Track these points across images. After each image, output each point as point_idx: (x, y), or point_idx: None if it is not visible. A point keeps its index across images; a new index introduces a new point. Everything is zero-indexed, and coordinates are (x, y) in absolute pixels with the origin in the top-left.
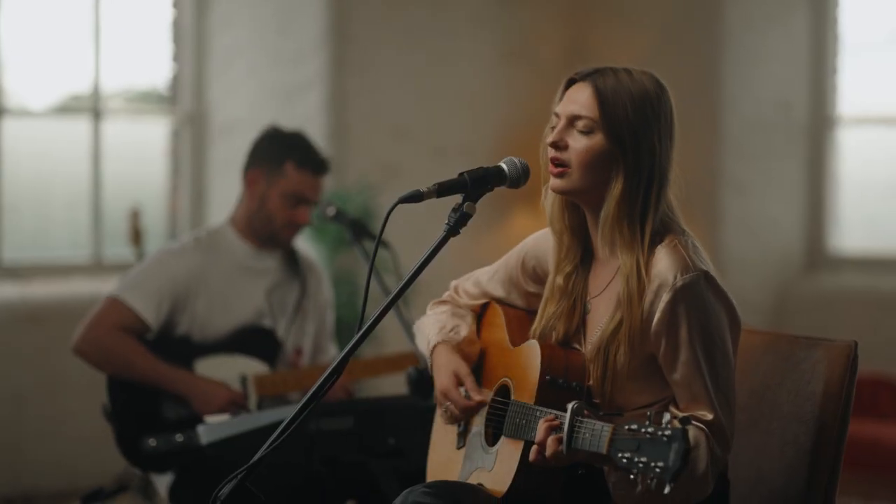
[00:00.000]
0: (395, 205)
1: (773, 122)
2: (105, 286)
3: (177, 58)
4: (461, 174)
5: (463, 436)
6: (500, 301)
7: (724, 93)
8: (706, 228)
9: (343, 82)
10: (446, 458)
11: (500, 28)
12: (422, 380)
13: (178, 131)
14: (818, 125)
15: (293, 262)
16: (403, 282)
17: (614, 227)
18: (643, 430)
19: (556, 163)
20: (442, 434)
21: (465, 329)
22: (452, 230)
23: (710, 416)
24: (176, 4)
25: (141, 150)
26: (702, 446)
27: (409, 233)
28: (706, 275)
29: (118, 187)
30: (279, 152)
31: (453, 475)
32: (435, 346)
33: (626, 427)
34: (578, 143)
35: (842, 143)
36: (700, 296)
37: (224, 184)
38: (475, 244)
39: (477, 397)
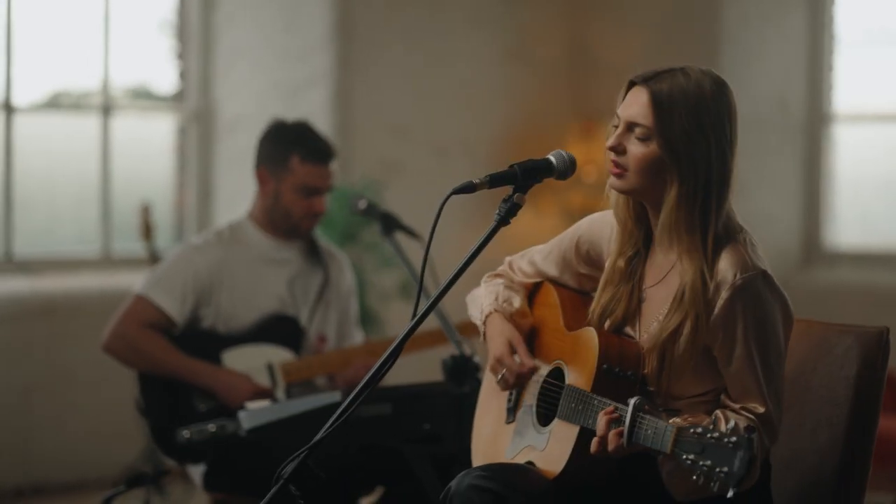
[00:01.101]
0: (449, 195)
1: (770, 119)
2: (114, 280)
3: (183, 55)
4: (512, 166)
5: (513, 411)
6: (552, 281)
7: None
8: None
9: (347, 80)
10: (494, 431)
11: (500, 28)
12: (457, 367)
13: (185, 128)
14: (814, 122)
15: (314, 252)
16: (457, 269)
17: (672, 234)
18: (709, 434)
19: (615, 164)
20: (489, 407)
21: (518, 301)
22: (503, 220)
23: (761, 409)
24: (183, 2)
25: (148, 146)
26: (739, 426)
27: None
28: (764, 274)
29: (126, 183)
30: (283, 148)
31: (501, 448)
32: (489, 315)
33: (692, 430)
34: (636, 149)
35: (837, 140)
36: (758, 294)
37: (230, 180)
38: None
39: (529, 363)
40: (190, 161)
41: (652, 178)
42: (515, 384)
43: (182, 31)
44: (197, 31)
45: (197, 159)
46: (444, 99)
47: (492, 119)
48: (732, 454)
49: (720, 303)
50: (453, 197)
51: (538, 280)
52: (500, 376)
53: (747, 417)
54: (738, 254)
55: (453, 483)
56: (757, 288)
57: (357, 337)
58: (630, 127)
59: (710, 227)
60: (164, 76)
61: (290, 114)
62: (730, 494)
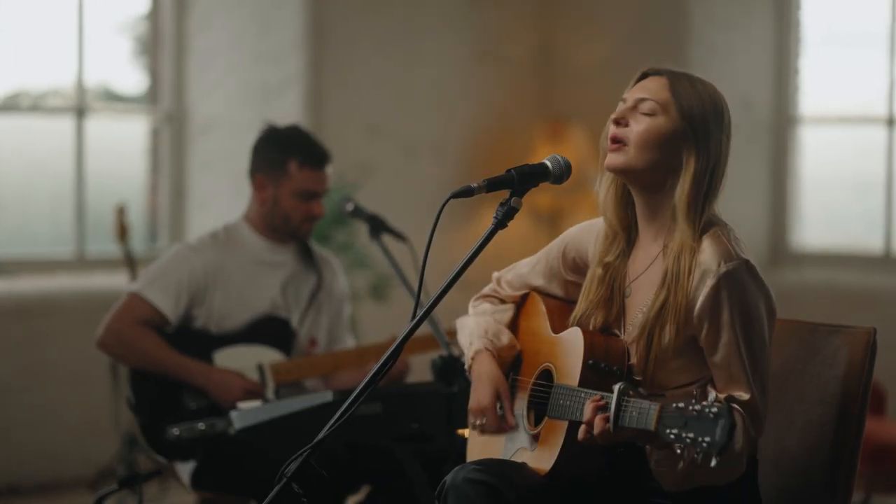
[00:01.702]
0: (448, 200)
1: (737, 120)
2: (88, 282)
3: (156, 57)
4: (508, 170)
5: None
6: (540, 291)
7: None
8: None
9: (320, 82)
10: (487, 437)
11: (471, 29)
12: (446, 367)
13: (158, 130)
14: (780, 124)
15: (308, 255)
16: (455, 272)
17: (691, 207)
18: (690, 407)
19: (615, 139)
20: None
21: (506, 337)
22: (500, 223)
23: (746, 397)
24: (155, 4)
25: (122, 148)
26: (739, 426)
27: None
28: (748, 263)
29: (100, 185)
30: (280, 154)
31: (495, 454)
32: (478, 352)
33: (674, 405)
34: (640, 124)
35: (803, 142)
36: (742, 283)
37: (203, 182)
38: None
39: (511, 422)
40: (163, 163)
41: (652, 153)
42: (490, 434)
43: (155, 33)
44: (170, 33)
45: (170, 161)
46: (416, 100)
47: (462, 120)
48: (714, 423)
49: (705, 291)
50: (428, 201)
51: (526, 292)
52: (477, 423)
53: (733, 407)
54: (721, 244)
55: (448, 477)
56: (741, 276)
57: (348, 341)
58: (637, 104)
59: (705, 210)
60: (131, 77)
61: (263, 115)
62: (713, 463)
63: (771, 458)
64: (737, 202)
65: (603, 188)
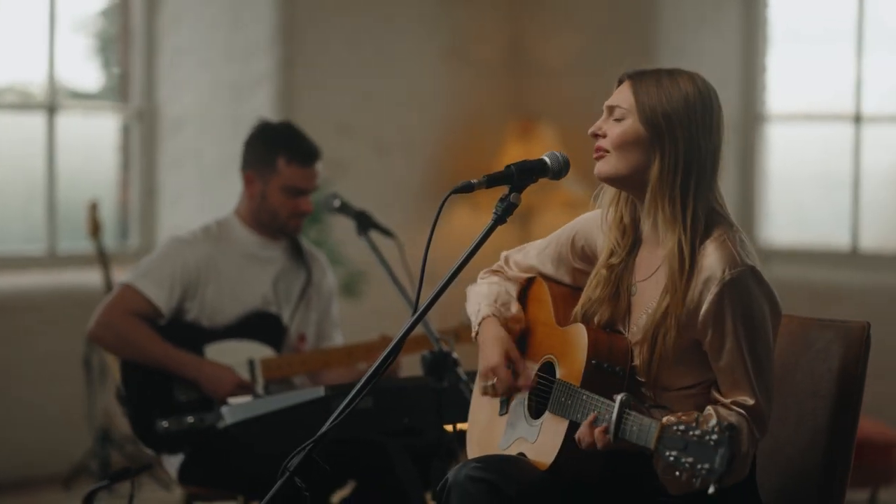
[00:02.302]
0: (448, 195)
1: None
2: (60, 278)
3: (127, 54)
4: (508, 167)
5: (505, 403)
6: (547, 277)
7: None
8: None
9: (292, 80)
10: (488, 422)
11: (441, 28)
12: (436, 363)
13: (129, 127)
14: (748, 121)
15: (298, 252)
16: (454, 268)
17: (655, 206)
18: (691, 432)
19: (597, 149)
20: (483, 400)
21: (514, 307)
22: (500, 219)
23: (751, 402)
24: (125, 1)
25: (93, 145)
26: (744, 431)
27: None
28: (752, 269)
29: (71, 182)
30: (269, 150)
31: (494, 439)
32: (485, 318)
33: (675, 427)
34: (613, 129)
35: (771, 139)
36: (746, 289)
37: (174, 179)
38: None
39: (524, 382)
40: (134, 160)
41: (630, 155)
42: (502, 395)
43: (126, 30)
44: (140, 30)
45: (140, 158)
46: (387, 99)
47: (433, 119)
48: (714, 451)
49: (709, 298)
50: (401, 200)
51: (532, 275)
52: (489, 384)
53: (737, 412)
54: (726, 249)
55: (450, 475)
56: (745, 283)
57: (337, 338)
58: (610, 111)
59: (688, 205)
60: (92, 75)
61: (235, 113)
62: (711, 490)
63: (766, 451)
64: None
65: (602, 200)
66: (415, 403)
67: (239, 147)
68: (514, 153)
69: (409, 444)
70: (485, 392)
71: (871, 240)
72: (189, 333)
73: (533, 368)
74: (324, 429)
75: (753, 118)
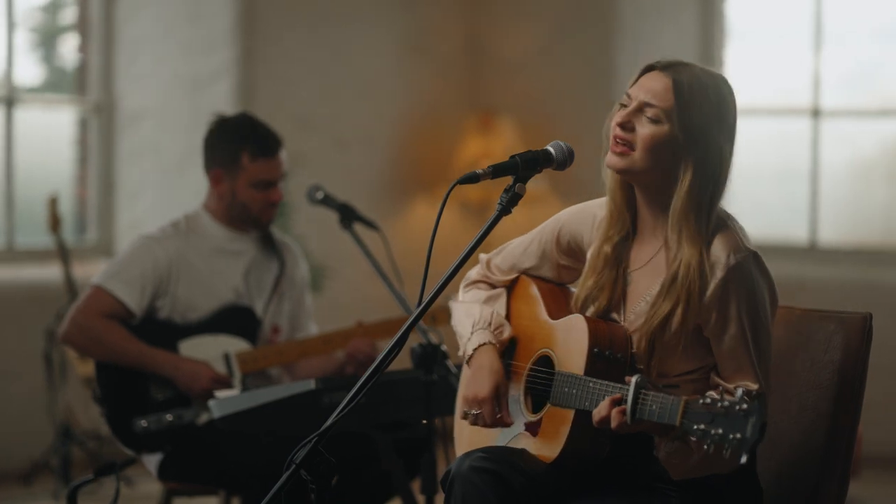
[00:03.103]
0: (453, 186)
1: None
2: (19, 273)
3: (84, 47)
4: (512, 157)
5: None
6: (530, 273)
7: (616, 83)
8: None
9: (251, 73)
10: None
11: (400, 21)
12: (426, 355)
13: (86, 120)
14: None
15: (269, 243)
16: (459, 259)
17: (683, 219)
18: (718, 404)
19: (621, 141)
20: None
21: (507, 331)
22: (505, 209)
23: (755, 386)
24: None
25: (51, 138)
26: (748, 394)
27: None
28: (755, 255)
29: (28, 176)
30: (231, 147)
31: (490, 439)
32: (482, 345)
33: (700, 401)
34: (645, 129)
35: None
36: (749, 274)
37: (132, 173)
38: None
39: (508, 419)
40: (91, 154)
41: (657, 159)
42: (483, 427)
43: (83, 22)
44: (98, 23)
45: (98, 152)
46: (346, 92)
47: (391, 112)
48: (745, 420)
49: (714, 283)
50: (360, 193)
51: (516, 275)
52: (473, 414)
53: (726, 388)
54: (730, 236)
55: (453, 466)
56: (749, 268)
57: (311, 328)
58: (642, 107)
59: (712, 215)
60: (66, 68)
61: (194, 106)
62: (743, 460)
63: (766, 442)
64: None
65: (608, 175)
66: (403, 396)
67: (198, 140)
68: (473, 147)
69: (398, 436)
70: (464, 417)
71: (829, 234)
72: (162, 330)
73: (525, 368)
74: (330, 421)
75: None
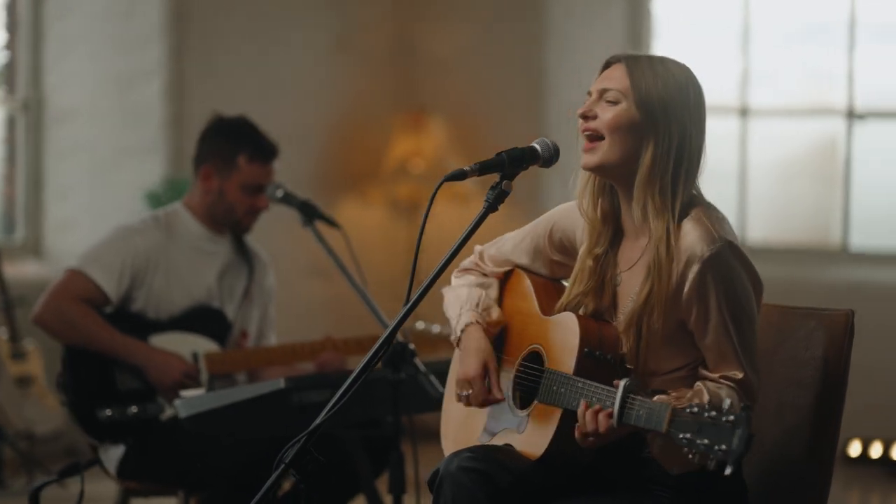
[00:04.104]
0: (441, 183)
1: None
2: None
3: (12, 44)
4: (499, 154)
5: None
6: (523, 269)
7: (546, 81)
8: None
9: (183, 70)
10: (465, 416)
11: (331, 20)
12: (394, 354)
13: (14, 118)
14: None
15: (242, 248)
16: (448, 256)
17: (646, 192)
18: (705, 413)
19: (588, 134)
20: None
21: (496, 312)
22: (492, 207)
23: (739, 375)
24: None
25: None
26: (735, 404)
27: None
28: (730, 244)
29: None
30: (230, 147)
31: (473, 432)
32: (468, 325)
33: (687, 409)
34: (606, 113)
35: None
36: (726, 264)
37: (61, 171)
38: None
39: (498, 395)
40: (19, 152)
41: (625, 140)
42: (475, 406)
43: (11, 19)
44: (26, 19)
45: (26, 150)
46: (277, 89)
47: (322, 110)
48: (731, 432)
49: (691, 276)
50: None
51: (509, 268)
52: (463, 394)
53: (727, 385)
54: (702, 226)
55: (441, 465)
56: (725, 258)
57: (272, 339)
58: (601, 94)
59: (677, 195)
60: None
61: (125, 104)
62: (727, 471)
63: None
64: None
65: (579, 185)
66: (371, 395)
67: (129, 138)
68: (403, 145)
69: (366, 435)
70: (458, 400)
71: (758, 232)
72: (134, 323)
73: (516, 361)
74: (318, 420)
75: None
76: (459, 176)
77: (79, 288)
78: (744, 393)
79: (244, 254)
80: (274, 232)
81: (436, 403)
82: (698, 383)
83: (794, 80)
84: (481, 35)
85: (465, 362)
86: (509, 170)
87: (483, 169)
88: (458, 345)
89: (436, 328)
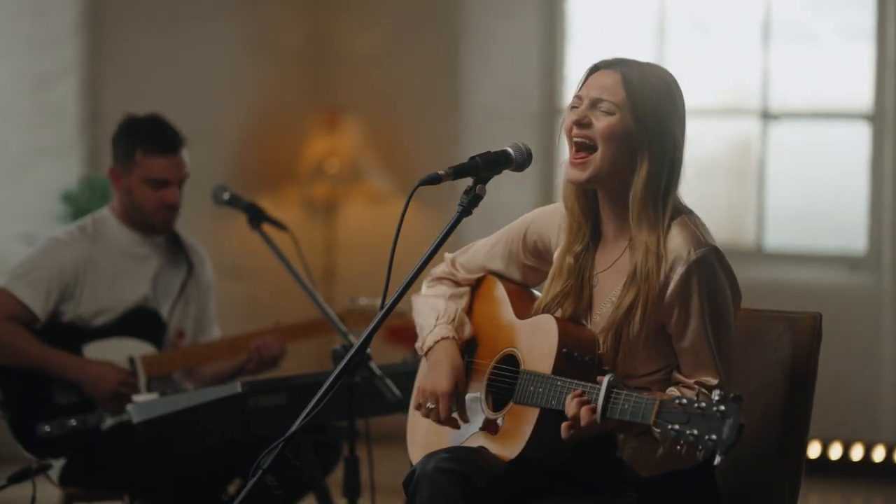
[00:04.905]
0: (416, 188)
1: (508, 110)
2: None
3: None
4: (472, 158)
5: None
6: (496, 274)
7: (462, 81)
8: (444, 215)
9: (97, 70)
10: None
11: (244, 19)
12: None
13: None
14: (550, 114)
15: (177, 245)
16: (422, 261)
17: (644, 208)
18: (695, 405)
19: (580, 142)
20: None
21: (468, 329)
22: (466, 211)
23: (714, 382)
24: None
25: None
26: (725, 395)
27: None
28: (715, 249)
29: None
30: (129, 144)
31: (443, 437)
32: (444, 338)
33: (676, 401)
34: (602, 122)
35: None
36: (711, 268)
37: None
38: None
39: (458, 423)
40: None
41: (619, 151)
42: (436, 422)
43: None
44: None
45: None
46: (192, 89)
47: (236, 110)
48: (721, 422)
49: (675, 278)
50: (206, 192)
51: (482, 275)
52: (428, 408)
53: (702, 391)
54: (689, 230)
55: (417, 467)
56: (710, 262)
57: (214, 332)
58: (595, 104)
59: (668, 203)
60: None
61: (39, 104)
62: (717, 461)
63: None
64: (508, 190)
65: (564, 184)
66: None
67: (43, 139)
68: (318, 145)
69: (315, 439)
70: (417, 409)
71: None
72: (66, 333)
73: (488, 366)
74: (295, 426)
75: (553, 110)
76: (434, 180)
77: (5, 307)
78: None
79: (181, 251)
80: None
81: (392, 406)
82: (672, 388)
83: (708, 81)
84: (397, 34)
85: (436, 374)
86: (483, 173)
87: (457, 173)
88: (425, 354)
89: (363, 301)
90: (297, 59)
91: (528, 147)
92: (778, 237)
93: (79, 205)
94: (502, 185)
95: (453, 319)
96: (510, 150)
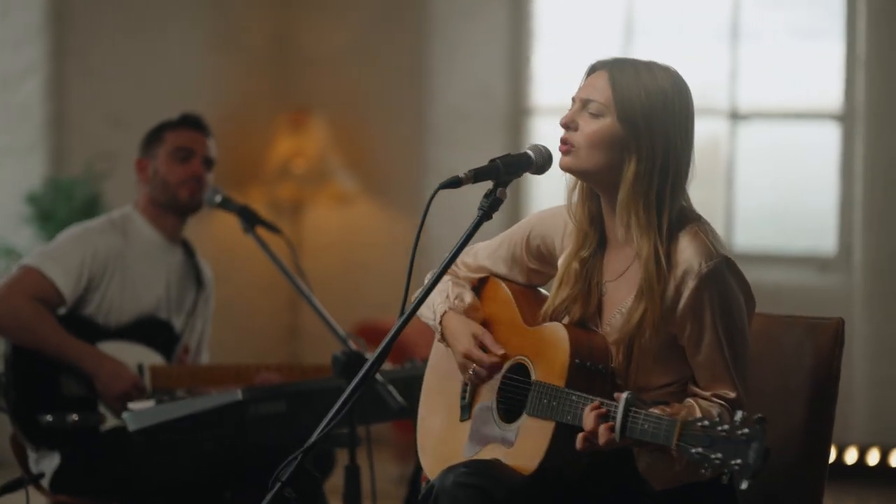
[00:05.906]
0: (437, 191)
1: (475, 111)
2: None
3: None
4: (493, 161)
5: (468, 408)
6: (499, 277)
7: (429, 82)
8: (412, 215)
9: (62, 69)
10: (446, 428)
11: (209, 18)
12: (349, 364)
13: None
14: (516, 114)
15: (191, 260)
16: (442, 266)
17: (629, 210)
18: (718, 427)
19: (563, 141)
20: (435, 405)
21: (468, 297)
22: (486, 215)
23: (732, 395)
24: None
25: None
26: (748, 417)
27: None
28: (727, 260)
29: None
30: (157, 130)
31: (457, 446)
32: (444, 314)
33: (699, 423)
34: (587, 125)
35: (538, 132)
36: (723, 281)
37: None
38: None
39: (499, 352)
40: None
41: (603, 154)
42: (488, 377)
43: None
44: None
45: None
46: (158, 89)
47: (202, 110)
48: (746, 446)
49: (686, 293)
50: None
51: (483, 275)
52: (470, 372)
53: (719, 404)
54: (699, 241)
55: (436, 481)
56: (722, 274)
57: (205, 356)
58: (585, 104)
59: (664, 210)
60: None
61: (3, 103)
62: (744, 486)
63: None
64: (475, 191)
65: (569, 184)
66: (328, 406)
67: (8, 138)
68: (284, 145)
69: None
70: (470, 380)
71: None
72: (82, 328)
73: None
74: (314, 437)
75: (520, 111)
76: (455, 184)
77: (34, 286)
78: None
79: (194, 267)
80: None
81: (393, 413)
82: (689, 399)
83: None
84: (363, 34)
85: (454, 345)
86: (504, 177)
87: (478, 176)
88: (442, 338)
89: None
90: (262, 59)
91: (548, 149)
92: (747, 238)
93: (43, 206)
94: (473, 187)
95: (448, 295)
96: (530, 152)
